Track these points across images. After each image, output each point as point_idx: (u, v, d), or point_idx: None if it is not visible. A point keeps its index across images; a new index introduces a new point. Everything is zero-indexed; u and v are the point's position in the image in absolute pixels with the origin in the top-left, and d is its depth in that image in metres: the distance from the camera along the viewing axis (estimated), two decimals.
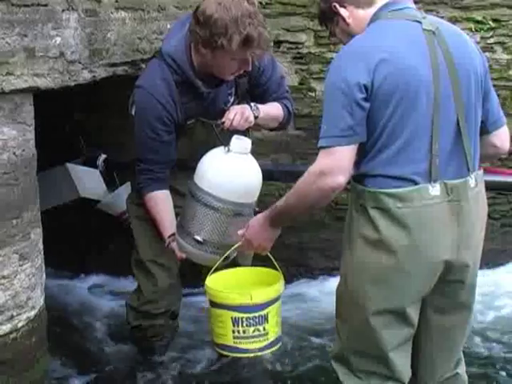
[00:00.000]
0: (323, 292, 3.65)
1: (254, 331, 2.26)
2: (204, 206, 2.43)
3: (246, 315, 2.25)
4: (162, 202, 2.66)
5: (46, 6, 2.30)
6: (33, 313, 2.33)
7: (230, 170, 2.43)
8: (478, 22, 3.61)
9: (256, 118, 2.62)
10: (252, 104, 2.65)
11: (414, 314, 2.01)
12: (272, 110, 2.74)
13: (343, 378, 2.09)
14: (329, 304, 3.42)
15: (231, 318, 2.26)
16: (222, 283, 2.38)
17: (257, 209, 2.57)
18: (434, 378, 2.14)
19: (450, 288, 2.03)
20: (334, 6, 2.05)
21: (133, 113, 2.63)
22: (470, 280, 2.04)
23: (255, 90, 2.75)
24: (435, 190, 1.92)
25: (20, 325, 2.27)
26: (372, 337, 2.00)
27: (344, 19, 2.05)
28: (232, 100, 2.70)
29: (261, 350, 2.30)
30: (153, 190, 2.66)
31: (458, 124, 1.96)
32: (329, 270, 3.77)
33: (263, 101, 2.75)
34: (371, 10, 2.02)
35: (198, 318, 3.32)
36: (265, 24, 2.50)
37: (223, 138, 2.55)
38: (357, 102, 1.88)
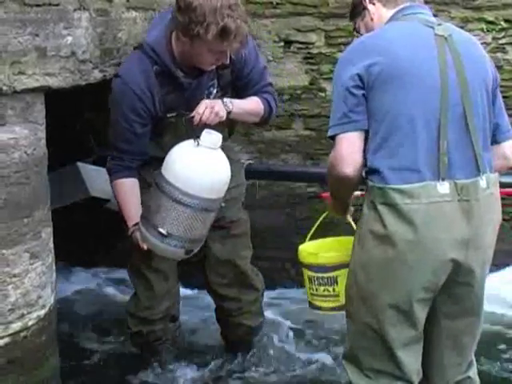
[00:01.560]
0: None
1: (324, 291, 2.36)
2: (169, 199, 2.39)
3: (315, 274, 2.36)
4: (129, 189, 2.63)
5: (57, 5, 2.31)
6: (43, 311, 2.33)
7: (198, 165, 2.38)
8: (489, 22, 3.59)
9: (229, 113, 2.57)
10: (224, 99, 2.59)
11: (420, 314, 2.01)
12: (249, 104, 2.69)
13: (353, 376, 2.10)
14: None
15: (307, 276, 2.40)
16: (314, 248, 2.49)
17: (223, 204, 2.57)
18: (444, 381, 2.15)
19: (460, 290, 2.03)
20: (365, 1, 2.18)
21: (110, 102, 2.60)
22: (478, 284, 2.05)
23: (238, 82, 2.69)
24: (444, 187, 1.94)
25: (30, 323, 2.28)
26: (380, 334, 2.02)
27: (370, 15, 2.17)
28: (215, 92, 2.65)
29: (333, 309, 2.38)
30: (121, 177, 2.63)
31: (467, 127, 1.98)
32: None
33: (245, 92, 2.70)
34: (392, 12, 2.12)
35: (201, 318, 3.32)
36: (246, 17, 2.46)
37: (198, 132, 2.46)
38: (348, 89, 1.97)
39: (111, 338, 3.29)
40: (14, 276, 2.21)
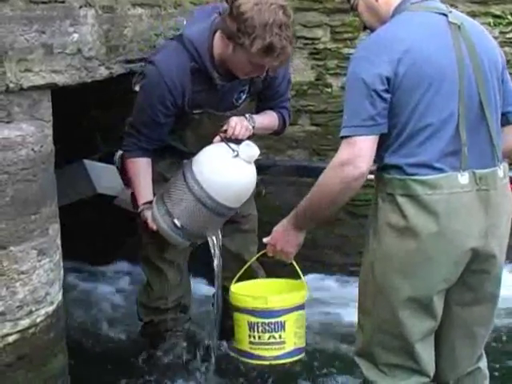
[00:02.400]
0: (339, 288, 3.65)
1: (269, 338, 2.23)
2: (194, 198, 2.46)
3: (261, 320, 2.23)
4: (143, 168, 2.68)
5: (63, 2, 2.31)
6: (51, 308, 2.34)
7: (230, 175, 2.45)
8: (496, 16, 3.58)
9: (252, 128, 2.64)
10: (247, 115, 2.65)
11: (439, 304, 2.01)
12: (267, 120, 2.76)
13: (367, 372, 2.08)
14: (344, 303, 3.48)
15: (247, 322, 2.25)
16: (247, 290, 2.38)
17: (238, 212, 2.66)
18: (456, 372, 2.14)
19: (474, 279, 2.02)
20: None
21: (136, 88, 2.62)
22: (495, 271, 2.04)
23: (265, 91, 2.75)
24: (464, 178, 1.93)
25: (38, 320, 2.28)
26: (398, 328, 2.00)
27: None
28: (244, 97, 2.70)
29: (276, 358, 2.27)
30: (136, 156, 2.68)
31: (483, 115, 1.97)
32: (345, 267, 3.76)
33: (267, 103, 2.76)
34: None
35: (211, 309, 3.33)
36: (293, 39, 2.47)
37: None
38: (378, 93, 1.90)
39: (121, 333, 3.31)
40: (22, 273, 2.21)
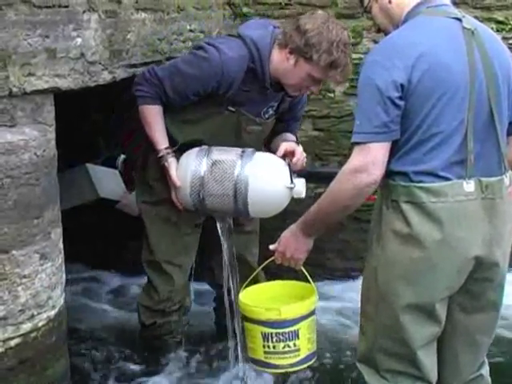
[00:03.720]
0: (341, 293, 3.64)
1: (284, 347, 2.22)
2: (232, 191, 2.56)
3: (275, 330, 2.21)
4: (159, 114, 2.70)
5: (67, 7, 2.31)
6: (53, 312, 2.34)
7: (275, 201, 2.60)
8: (499, 22, 3.58)
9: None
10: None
11: (442, 311, 2.00)
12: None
13: (369, 379, 2.07)
14: (347, 305, 3.48)
15: (261, 332, 2.23)
16: (255, 297, 2.35)
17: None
18: (458, 379, 2.13)
19: (477, 287, 2.02)
20: None
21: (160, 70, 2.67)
22: (499, 279, 2.03)
23: (288, 113, 2.86)
24: (469, 186, 1.92)
25: (40, 324, 2.28)
26: (400, 334, 1.99)
27: None
28: (271, 113, 2.78)
29: (292, 366, 2.26)
30: (154, 104, 2.68)
31: (492, 124, 1.96)
32: (347, 272, 3.76)
33: (283, 122, 2.87)
34: (414, 2, 2.01)
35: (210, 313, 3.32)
36: (351, 60, 2.63)
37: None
38: (392, 100, 1.88)
39: (119, 336, 3.31)
40: (24, 277, 2.21)
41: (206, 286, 3.28)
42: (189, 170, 2.63)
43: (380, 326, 2.03)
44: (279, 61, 2.62)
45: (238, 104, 2.67)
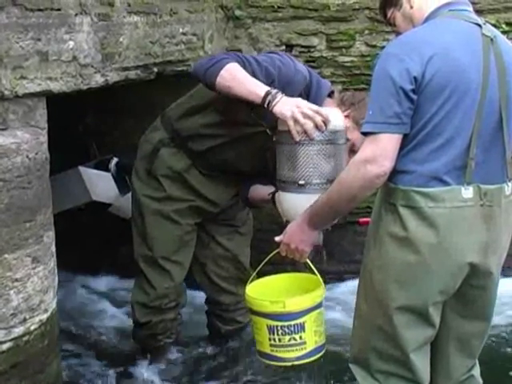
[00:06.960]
0: (334, 295, 3.65)
1: (289, 340, 2.19)
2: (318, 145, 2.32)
3: (280, 323, 2.19)
4: (243, 70, 2.46)
5: (59, 10, 2.31)
6: (45, 316, 2.33)
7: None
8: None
9: None
10: None
11: (435, 314, 2.00)
12: None
13: (361, 380, 2.07)
14: (339, 308, 3.48)
15: (266, 325, 2.21)
16: (261, 290, 2.33)
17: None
18: (449, 382, 2.13)
19: (471, 293, 2.02)
20: None
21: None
22: (492, 287, 2.04)
23: None
24: (468, 192, 1.91)
25: (33, 328, 2.27)
26: (393, 336, 1.99)
27: (410, 2, 2.03)
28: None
29: (299, 359, 2.23)
30: (232, 62, 2.45)
31: (500, 133, 1.95)
32: (339, 274, 3.76)
33: None
34: (436, 4, 2.00)
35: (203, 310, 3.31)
36: None
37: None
38: (405, 91, 1.87)
39: (115, 339, 3.31)
40: (16, 280, 2.20)
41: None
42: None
43: (374, 327, 2.03)
44: None
45: (267, 122, 2.52)
